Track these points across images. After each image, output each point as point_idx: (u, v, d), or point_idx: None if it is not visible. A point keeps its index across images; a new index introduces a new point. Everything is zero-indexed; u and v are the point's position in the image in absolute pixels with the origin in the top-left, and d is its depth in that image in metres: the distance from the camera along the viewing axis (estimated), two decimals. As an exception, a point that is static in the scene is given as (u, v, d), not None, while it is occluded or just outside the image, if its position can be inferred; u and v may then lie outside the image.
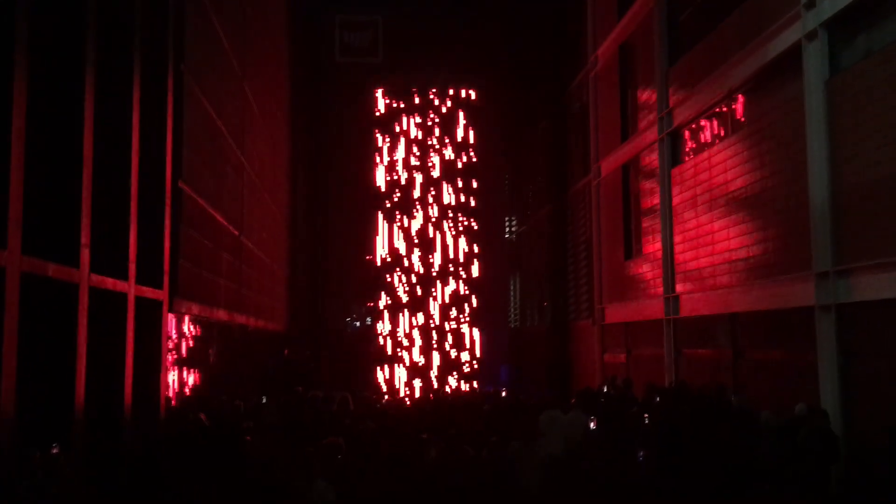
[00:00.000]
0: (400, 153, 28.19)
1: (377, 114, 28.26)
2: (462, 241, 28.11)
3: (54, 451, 6.19)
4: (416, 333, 27.55)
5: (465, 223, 28.14)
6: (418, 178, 28.15)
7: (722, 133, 13.51)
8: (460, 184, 28.33)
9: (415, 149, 28.26)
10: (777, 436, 8.15)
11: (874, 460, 8.97)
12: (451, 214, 28.13)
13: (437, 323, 27.64)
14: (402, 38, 28.20)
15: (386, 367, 27.22)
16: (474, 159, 28.49)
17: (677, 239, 14.98)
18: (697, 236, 14.02)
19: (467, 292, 27.84)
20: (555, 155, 24.32)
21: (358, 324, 29.02)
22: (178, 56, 10.72)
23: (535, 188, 27.13)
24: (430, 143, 28.40)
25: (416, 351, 27.46)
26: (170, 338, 10.78)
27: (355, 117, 28.20)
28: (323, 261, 28.35)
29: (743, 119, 12.74)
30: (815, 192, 10.18)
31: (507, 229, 30.30)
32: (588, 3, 21.05)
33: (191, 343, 12.58)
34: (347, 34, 28.37)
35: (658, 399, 11.17)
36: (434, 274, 27.77)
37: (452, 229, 28.02)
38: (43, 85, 6.93)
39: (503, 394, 15.74)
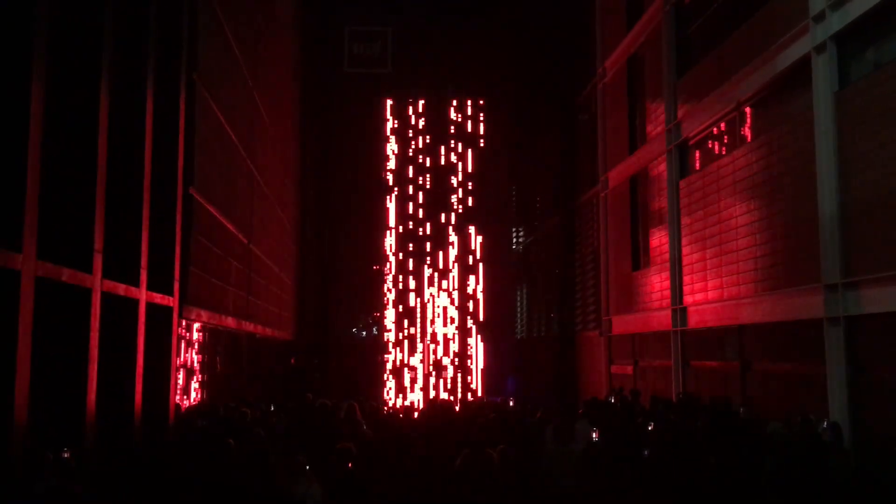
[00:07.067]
0: (407, 165, 28.31)
1: (385, 125, 28.37)
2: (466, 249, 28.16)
3: (65, 454, 6.23)
4: (421, 344, 27.58)
5: (473, 234, 28.17)
6: (425, 185, 28.26)
7: (730, 145, 13.54)
8: (468, 193, 28.37)
9: (422, 159, 28.35)
10: (785, 447, 8.14)
11: (883, 471, 8.95)
12: (458, 225, 28.17)
13: (443, 335, 27.67)
14: (410, 49, 28.36)
15: (392, 377, 27.24)
16: (481, 169, 28.54)
17: (685, 251, 14.99)
18: (705, 248, 14.03)
19: (474, 304, 27.87)
20: (562, 165, 24.37)
21: (364, 334, 29.05)
22: (190, 65, 10.83)
23: (543, 199, 27.17)
24: (437, 152, 28.46)
25: (421, 362, 27.47)
26: (180, 343, 10.84)
27: (364, 128, 28.33)
28: (330, 271, 28.42)
29: (751, 131, 12.78)
30: (823, 204, 10.20)
31: (514, 240, 30.31)
32: (597, 16, 21.17)
33: (199, 350, 12.64)
34: (357, 45, 28.54)
35: (662, 410, 11.15)
36: (441, 285, 27.83)
37: (459, 238, 28.05)
38: (59, 92, 7.02)
39: (511, 403, 15.69)
